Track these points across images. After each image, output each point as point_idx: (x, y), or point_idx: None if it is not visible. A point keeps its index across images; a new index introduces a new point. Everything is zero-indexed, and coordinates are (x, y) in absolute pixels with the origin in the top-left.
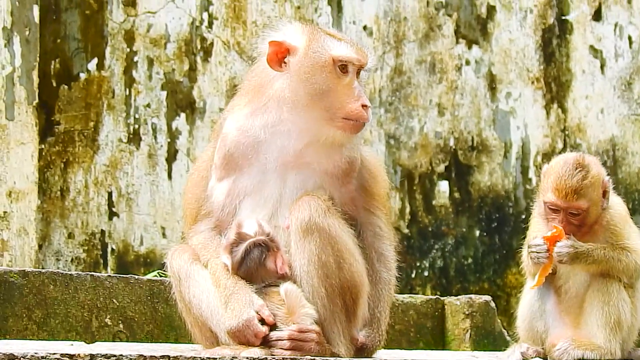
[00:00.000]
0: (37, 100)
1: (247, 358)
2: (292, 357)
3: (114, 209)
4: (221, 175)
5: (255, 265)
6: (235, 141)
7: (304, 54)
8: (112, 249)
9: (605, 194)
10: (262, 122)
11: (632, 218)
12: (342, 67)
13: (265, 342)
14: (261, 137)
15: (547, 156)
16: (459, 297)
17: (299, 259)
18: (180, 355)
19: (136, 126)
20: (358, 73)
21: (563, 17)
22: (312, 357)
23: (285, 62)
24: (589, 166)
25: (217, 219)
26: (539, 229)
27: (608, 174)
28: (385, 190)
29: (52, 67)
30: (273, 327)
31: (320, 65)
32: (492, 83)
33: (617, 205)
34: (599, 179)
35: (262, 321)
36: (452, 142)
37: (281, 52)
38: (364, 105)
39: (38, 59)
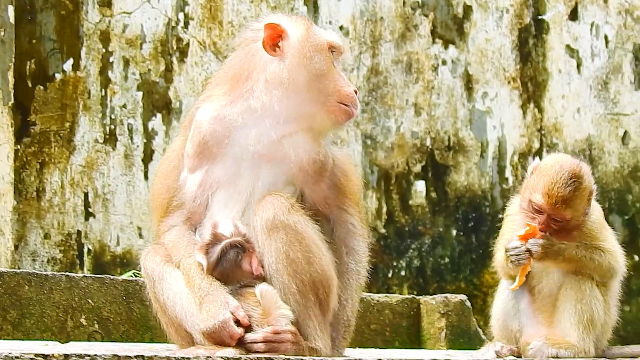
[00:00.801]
0: (12, 101)
1: (221, 358)
2: (266, 356)
3: (90, 210)
4: (194, 165)
5: (231, 267)
6: (211, 129)
7: (304, 37)
8: (89, 250)
9: (589, 202)
10: (242, 109)
11: (608, 217)
12: (332, 51)
13: (241, 344)
14: (239, 123)
15: (524, 156)
16: (434, 296)
17: (267, 258)
18: (155, 355)
19: (112, 127)
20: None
21: (539, 17)
22: (287, 357)
23: (279, 47)
24: (583, 177)
25: (188, 211)
26: (513, 226)
27: None
28: (358, 188)
29: (28, 67)
30: (248, 328)
31: (319, 49)
32: (469, 83)
33: (595, 210)
34: (588, 191)
35: (238, 322)
36: (428, 142)
37: (276, 36)
38: (355, 91)
39: (13, 59)
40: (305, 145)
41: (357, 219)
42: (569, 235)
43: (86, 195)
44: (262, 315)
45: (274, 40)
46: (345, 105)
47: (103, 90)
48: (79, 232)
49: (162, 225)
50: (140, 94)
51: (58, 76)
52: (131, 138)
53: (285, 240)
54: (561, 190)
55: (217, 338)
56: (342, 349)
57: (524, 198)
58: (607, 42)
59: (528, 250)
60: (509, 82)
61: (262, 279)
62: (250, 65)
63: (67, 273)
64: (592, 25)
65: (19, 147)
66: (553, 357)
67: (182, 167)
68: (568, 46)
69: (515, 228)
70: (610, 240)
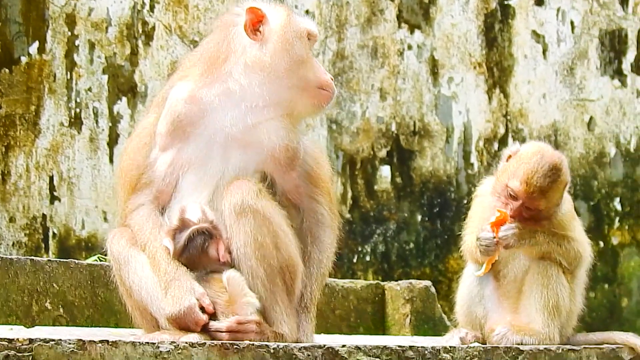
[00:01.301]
0: None
1: (186, 343)
2: (231, 341)
3: (55, 193)
4: (166, 143)
5: (198, 253)
6: (186, 108)
7: (286, 23)
8: (54, 233)
9: (563, 194)
10: (220, 91)
11: (575, 203)
12: (309, 40)
13: (205, 330)
14: (215, 105)
15: (489, 141)
16: (399, 282)
17: (235, 242)
18: (120, 340)
19: (77, 110)
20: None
21: (505, 2)
22: (251, 342)
23: (259, 31)
24: (562, 170)
25: (157, 190)
26: (482, 208)
27: None
28: (329, 177)
29: None
30: (213, 315)
31: (300, 36)
32: (434, 68)
33: (566, 202)
34: (565, 183)
35: (203, 309)
36: (394, 127)
37: (257, 21)
38: (331, 78)
39: None
40: (279, 132)
41: (327, 209)
42: (537, 225)
43: (51, 178)
44: (228, 302)
45: (255, 24)
46: (325, 90)
47: (68, 73)
48: (44, 216)
49: (129, 204)
50: (106, 77)
51: (23, 59)
52: (96, 122)
53: (254, 224)
54: (540, 181)
55: (182, 324)
56: (311, 335)
57: (500, 182)
58: (573, 27)
59: (497, 242)
60: (474, 68)
61: (228, 265)
62: (229, 48)
63: (32, 257)
64: (558, 10)
65: None
66: (517, 344)
67: (153, 145)
68: (534, 31)
69: (484, 210)
70: (578, 231)
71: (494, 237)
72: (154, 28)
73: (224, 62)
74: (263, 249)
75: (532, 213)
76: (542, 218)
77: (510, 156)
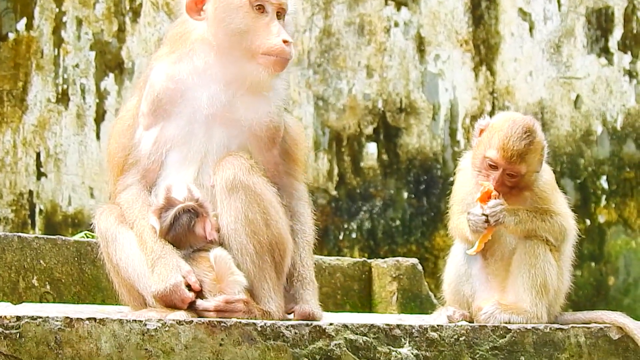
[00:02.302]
0: None
1: (173, 321)
2: (218, 319)
3: (42, 169)
4: (149, 122)
5: (184, 231)
6: (164, 87)
7: None
8: (40, 210)
9: (541, 159)
10: (190, 68)
11: (560, 181)
12: (259, 7)
13: (192, 309)
14: (189, 83)
15: (475, 118)
16: (385, 259)
17: (225, 217)
18: (107, 318)
19: (65, 86)
20: (280, 15)
21: None
22: (238, 320)
23: (203, 10)
24: (536, 132)
25: (144, 169)
26: (465, 181)
27: None
28: (306, 154)
29: None
30: (200, 293)
31: (236, 7)
32: (421, 45)
33: (546, 172)
34: (541, 146)
35: (189, 287)
36: (380, 104)
37: (199, 1)
38: (285, 41)
39: None
40: (257, 108)
41: (303, 185)
42: (520, 195)
43: (38, 155)
44: (215, 280)
45: (197, 4)
46: (271, 55)
47: (56, 49)
48: (30, 192)
49: (118, 185)
50: (93, 53)
51: (11, 35)
52: (84, 98)
53: (245, 200)
54: (516, 144)
55: (168, 301)
56: (319, 311)
57: (477, 156)
58: (559, 5)
59: (486, 219)
60: (461, 45)
61: (215, 243)
62: (186, 27)
63: (19, 234)
64: None
65: None
66: (505, 323)
67: (137, 126)
68: (521, 9)
69: (465, 183)
70: (561, 203)
71: (484, 216)
72: (141, 5)
73: (186, 40)
74: (253, 225)
75: (514, 180)
76: (523, 186)
77: (482, 130)
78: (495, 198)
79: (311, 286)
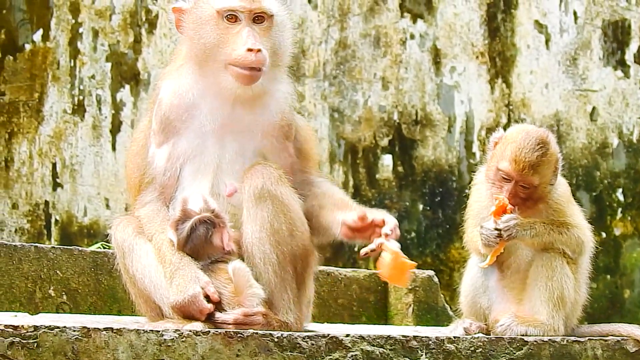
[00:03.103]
0: None
1: (190, 331)
2: (234, 329)
3: (58, 180)
4: (160, 140)
5: (201, 242)
6: (170, 104)
7: (189, 13)
8: (56, 220)
9: (555, 171)
10: (187, 84)
11: (576, 193)
12: (230, 16)
13: (210, 321)
14: (191, 99)
15: (491, 131)
16: None
17: (251, 226)
18: (124, 328)
19: (81, 97)
20: (259, 20)
21: None
22: (255, 331)
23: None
24: (549, 144)
25: (160, 185)
26: (479, 195)
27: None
28: (318, 151)
29: None
30: (218, 304)
31: (205, 20)
32: (437, 57)
33: (561, 185)
34: (555, 158)
35: (208, 298)
36: (396, 116)
37: (180, 17)
38: (249, 49)
39: None
40: (262, 112)
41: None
42: (535, 207)
43: (54, 165)
44: (234, 293)
45: (179, 22)
46: (238, 66)
47: (72, 61)
48: (46, 203)
49: (137, 203)
50: (109, 65)
51: (27, 46)
52: (99, 109)
53: (272, 210)
54: (528, 156)
55: (186, 312)
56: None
57: (491, 168)
58: (576, 17)
59: (499, 234)
60: (477, 57)
61: (233, 254)
62: (181, 43)
63: (36, 244)
64: (561, 0)
65: None
66: (522, 335)
67: (149, 144)
68: (537, 21)
69: (481, 198)
70: (577, 215)
71: (496, 229)
72: (157, 16)
73: (180, 57)
74: (278, 235)
75: (527, 192)
76: (537, 197)
77: (496, 143)
78: (510, 212)
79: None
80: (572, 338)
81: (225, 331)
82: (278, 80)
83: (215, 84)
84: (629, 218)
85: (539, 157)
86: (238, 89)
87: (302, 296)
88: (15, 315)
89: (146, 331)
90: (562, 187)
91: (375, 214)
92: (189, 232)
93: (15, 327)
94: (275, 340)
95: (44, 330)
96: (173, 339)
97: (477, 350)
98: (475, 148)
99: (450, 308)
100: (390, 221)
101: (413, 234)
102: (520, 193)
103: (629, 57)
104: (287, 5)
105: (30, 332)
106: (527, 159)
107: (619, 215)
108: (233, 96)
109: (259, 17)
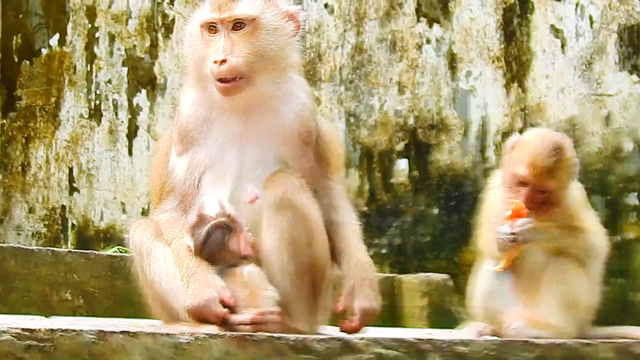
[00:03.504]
0: None
1: (205, 334)
2: (249, 333)
3: (74, 184)
4: (180, 149)
5: (218, 247)
6: (188, 115)
7: (187, 25)
8: (73, 224)
9: (571, 176)
10: (202, 97)
11: (590, 198)
12: (211, 28)
13: (226, 324)
14: (205, 110)
15: (507, 135)
16: (416, 275)
17: (270, 235)
18: (140, 331)
19: (97, 102)
20: (240, 26)
21: None
22: (270, 334)
23: None
24: (566, 148)
25: (180, 194)
26: (495, 199)
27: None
28: (341, 156)
29: (14, 42)
30: (233, 309)
31: (192, 34)
32: (453, 62)
33: (575, 189)
34: (571, 162)
35: (223, 303)
36: (411, 121)
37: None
38: (214, 61)
39: (0, 34)
40: (279, 118)
41: (341, 187)
42: (550, 211)
43: (71, 170)
44: (249, 296)
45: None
46: (215, 80)
47: (88, 65)
48: (63, 207)
49: (157, 210)
50: (126, 69)
51: (44, 51)
52: (116, 113)
53: (291, 219)
54: (545, 160)
55: (201, 316)
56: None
57: (507, 173)
58: (591, 22)
59: (514, 238)
60: (493, 62)
61: (250, 259)
62: None
63: (53, 248)
64: (576, 5)
65: (4, 121)
66: (534, 338)
67: (171, 154)
68: (552, 26)
69: (496, 202)
70: (591, 220)
71: (512, 236)
72: (173, 21)
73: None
74: (296, 245)
75: (543, 196)
76: (553, 202)
77: (513, 147)
78: (525, 216)
79: (370, 272)
80: (584, 341)
81: (240, 334)
82: (287, 84)
83: (211, 95)
84: None
85: (555, 162)
86: (227, 100)
87: (317, 305)
88: (32, 319)
89: (162, 334)
90: (576, 192)
91: (362, 303)
92: (205, 237)
93: (31, 331)
94: (290, 343)
95: (60, 333)
96: (189, 342)
97: (489, 353)
98: (491, 152)
99: (465, 312)
100: (361, 315)
101: (428, 238)
102: (536, 197)
103: None
104: (276, 3)
105: (47, 335)
106: (544, 164)
107: (633, 219)
108: (230, 107)
109: (238, 24)
